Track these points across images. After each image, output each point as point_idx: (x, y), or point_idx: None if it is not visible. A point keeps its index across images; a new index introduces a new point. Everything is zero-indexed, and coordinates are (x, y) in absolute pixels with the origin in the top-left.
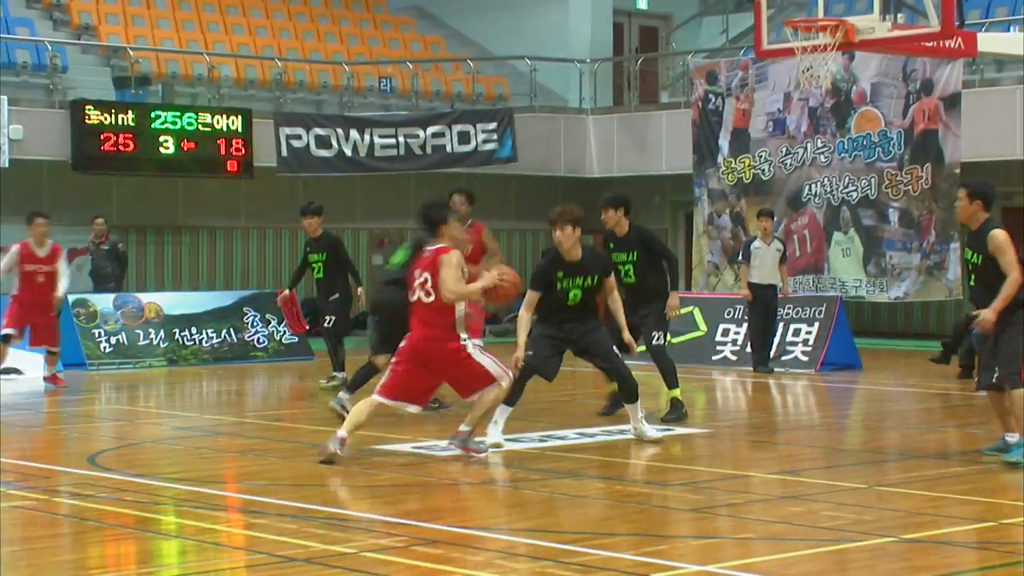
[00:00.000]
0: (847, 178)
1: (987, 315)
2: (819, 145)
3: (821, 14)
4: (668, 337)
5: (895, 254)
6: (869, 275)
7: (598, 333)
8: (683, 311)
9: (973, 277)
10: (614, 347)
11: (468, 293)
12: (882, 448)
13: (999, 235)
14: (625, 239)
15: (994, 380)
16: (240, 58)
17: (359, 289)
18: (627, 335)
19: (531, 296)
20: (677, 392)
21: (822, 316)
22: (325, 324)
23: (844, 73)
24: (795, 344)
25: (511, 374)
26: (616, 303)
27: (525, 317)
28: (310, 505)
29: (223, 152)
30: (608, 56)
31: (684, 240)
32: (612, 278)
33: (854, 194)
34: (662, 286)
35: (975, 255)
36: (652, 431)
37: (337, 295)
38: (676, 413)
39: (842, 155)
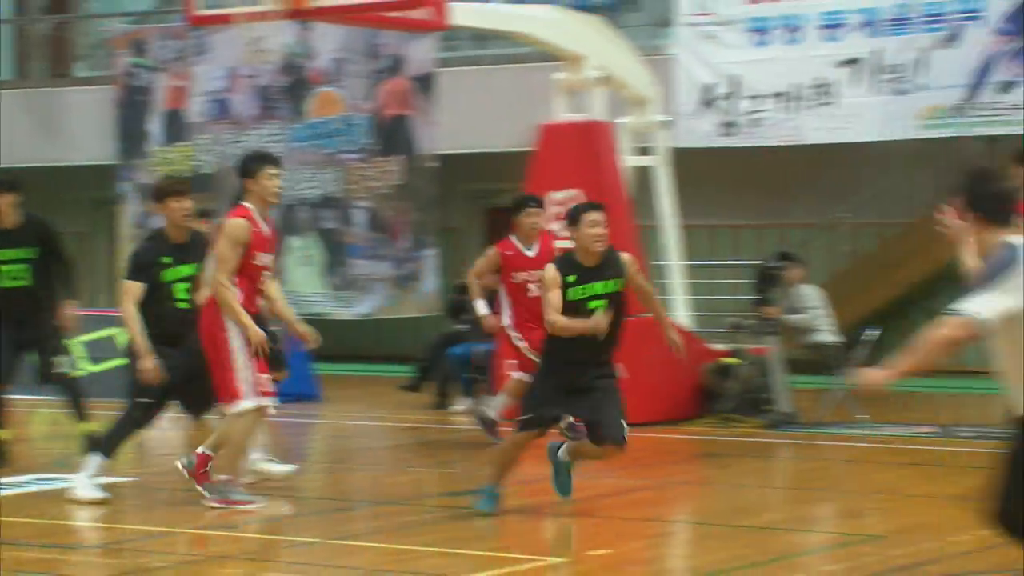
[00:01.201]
0: (305, 172)
1: None
2: (271, 132)
3: None
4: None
5: (362, 263)
6: (332, 288)
7: None
8: (104, 333)
9: None
10: None
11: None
12: (342, 494)
13: None
14: (19, 231)
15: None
16: None
17: None
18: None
19: None
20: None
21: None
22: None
23: (300, 47)
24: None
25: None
26: None
27: None
28: None
29: None
30: (8, 16)
31: (108, 245)
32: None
33: (313, 191)
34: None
35: None
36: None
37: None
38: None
39: (298, 144)
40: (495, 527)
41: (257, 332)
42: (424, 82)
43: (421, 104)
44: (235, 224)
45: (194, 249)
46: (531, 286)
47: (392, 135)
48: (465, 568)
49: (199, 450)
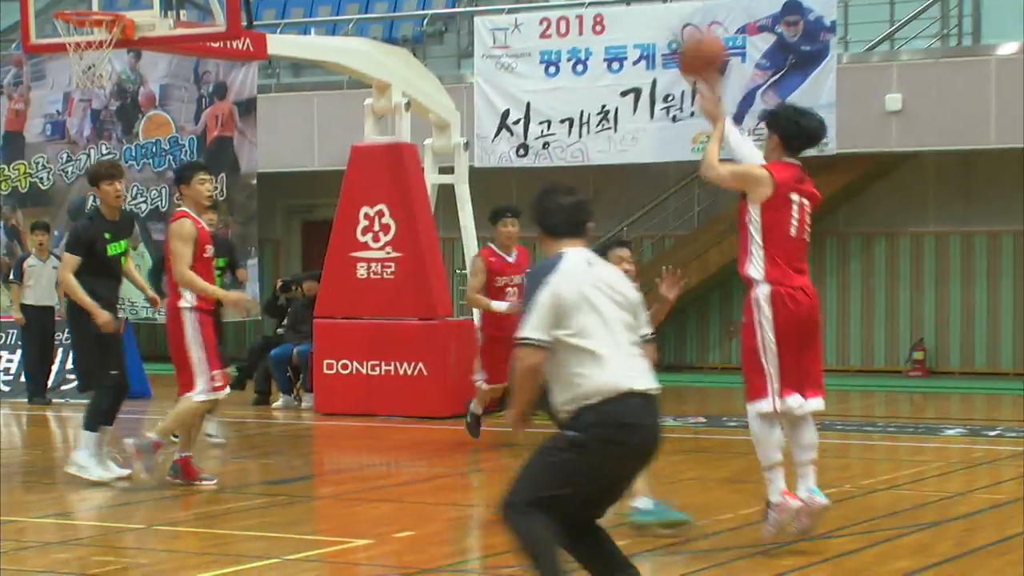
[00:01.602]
0: (136, 188)
1: None
2: (104, 152)
3: (96, 6)
4: None
5: None
6: (162, 294)
7: None
8: None
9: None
10: None
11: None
12: (169, 484)
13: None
14: None
15: None
16: None
17: None
18: None
19: None
20: None
21: None
22: None
23: (131, 73)
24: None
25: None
26: None
27: None
28: None
29: None
30: None
31: None
32: None
33: (144, 206)
34: None
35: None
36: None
37: None
38: None
39: (130, 163)
40: (311, 513)
41: (236, 294)
42: (246, 106)
43: (244, 127)
44: (181, 223)
45: (125, 227)
46: (509, 290)
47: (216, 155)
48: (283, 551)
49: (176, 456)
